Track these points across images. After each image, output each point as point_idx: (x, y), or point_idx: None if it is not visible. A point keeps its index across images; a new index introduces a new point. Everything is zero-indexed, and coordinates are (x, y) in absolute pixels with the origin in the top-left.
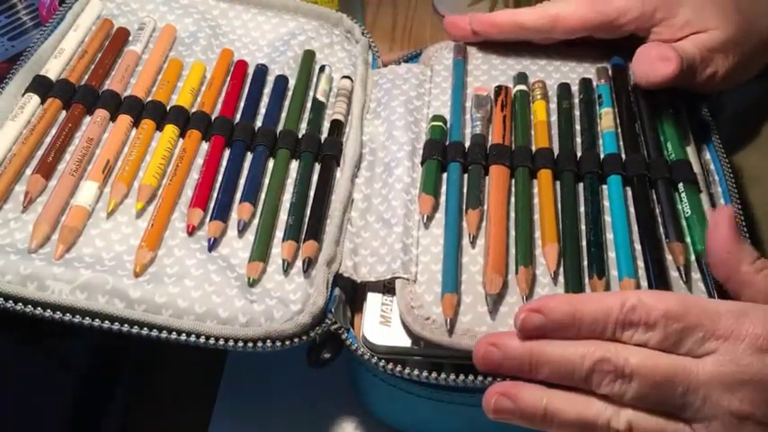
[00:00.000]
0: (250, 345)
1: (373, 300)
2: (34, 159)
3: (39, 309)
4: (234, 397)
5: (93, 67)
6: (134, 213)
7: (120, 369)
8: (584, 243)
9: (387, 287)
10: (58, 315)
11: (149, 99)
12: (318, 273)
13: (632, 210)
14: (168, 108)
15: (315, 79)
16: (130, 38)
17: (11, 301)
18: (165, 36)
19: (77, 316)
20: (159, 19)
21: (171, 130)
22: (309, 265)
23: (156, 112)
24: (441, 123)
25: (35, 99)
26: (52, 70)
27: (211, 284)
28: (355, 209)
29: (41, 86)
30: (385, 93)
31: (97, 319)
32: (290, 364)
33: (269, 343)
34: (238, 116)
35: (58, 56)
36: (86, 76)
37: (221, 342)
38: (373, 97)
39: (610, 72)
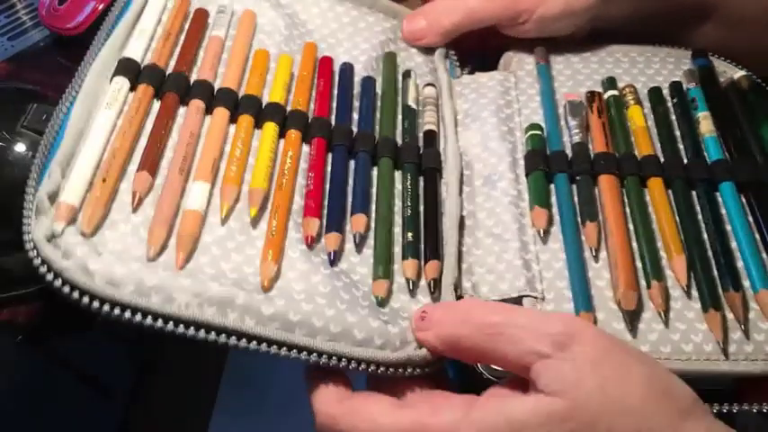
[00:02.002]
0: (391, 370)
1: None
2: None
3: (160, 321)
4: (234, 398)
5: (177, 51)
6: (246, 220)
7: (119, 369)
8: (709, 254)
9: None
10: (180, 329)
11: (243, 93)
12: (446, 295)
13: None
14: (264, 104)
15: (401, 84)
16: (209, 20)
17: (128, 312)
18: (245, 22)
19: (202, 331)
20: (236, 1)
21: (272, 128)
22: (436, 286)
23: (253, 108)
24: (539, 132)
25: (126, 85)
26: (135, 52)
27: (342, 302)
28: (461, 226)
29: (129, 70)
30: (472, 103)
31: (223, 335)
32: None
33: (409, 369)
34: (333, 118)
35: (140, 37)
36: (172, 62)
37: (361, 366)
38: (459, 108)
39: (697, 74)
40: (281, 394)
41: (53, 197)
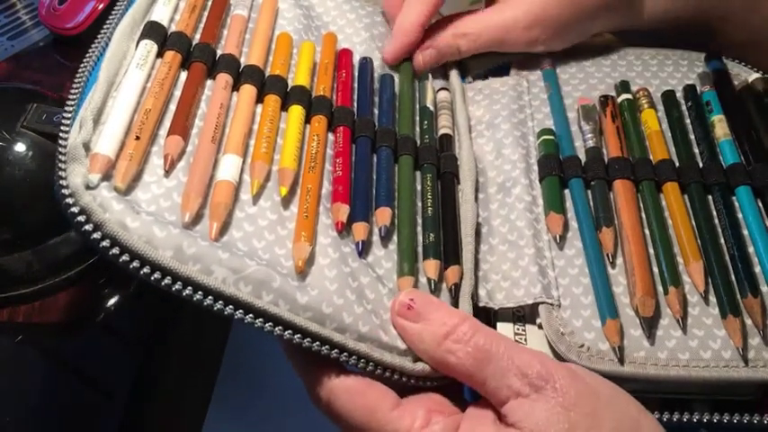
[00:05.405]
0: (404, 378)
1: (505, 330)
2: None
3: (199, 294)
4: (230, 396)
5: (202, 25)
6: (276, 199)
7: (120, 369)
8: (726, 259)
9: (516, 314)
10: (220, 304)
11: (269, 73)
12: (463, 304)
13: (767, 222)
14: (290, 87)
15: (417, 85)
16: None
17: (168, 279)
18: (268, 4)
19: (238, 310)
20: None
21: (298, 111)
22: (457, 292)
23: (280, 88)
24: (551, 137)
25: (155, 48)
26: (162, 18)
27: (369, 302)
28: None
29: (157, 35)
30: (485, 110)
31: (260, 319)
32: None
33: (422, 381)
34: (354, 109)
35: (165, 3)
36: (197, 36)
37: (378, 370)
38: (472, 115)
39: (711, 77)
40: (277, 394)
41: (87, 147)
